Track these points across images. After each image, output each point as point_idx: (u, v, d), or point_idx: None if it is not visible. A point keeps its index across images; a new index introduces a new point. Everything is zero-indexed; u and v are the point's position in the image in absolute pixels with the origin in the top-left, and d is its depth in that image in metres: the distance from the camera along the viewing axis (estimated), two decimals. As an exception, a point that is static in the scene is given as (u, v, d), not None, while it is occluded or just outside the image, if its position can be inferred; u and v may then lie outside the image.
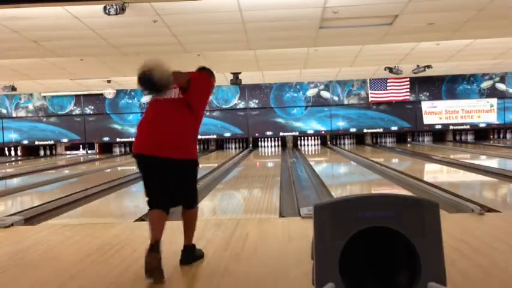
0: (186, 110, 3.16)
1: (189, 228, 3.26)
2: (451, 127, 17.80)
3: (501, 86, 17.36)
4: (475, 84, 17.45)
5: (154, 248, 2.85)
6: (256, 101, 17.88)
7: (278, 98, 17.82)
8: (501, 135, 18.22)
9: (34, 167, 13.24)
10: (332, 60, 11.77)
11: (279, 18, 7.16)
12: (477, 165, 9.16)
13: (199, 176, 3.46)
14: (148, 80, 2.99)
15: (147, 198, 3.13)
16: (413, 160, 11.91)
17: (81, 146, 18.99)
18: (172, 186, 3.14)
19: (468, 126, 17.76)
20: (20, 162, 16.30)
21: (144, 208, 5.55)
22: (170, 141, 3.07)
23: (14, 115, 18.34)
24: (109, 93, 16.72)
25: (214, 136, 18.00)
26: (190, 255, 3.23)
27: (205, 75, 3.42)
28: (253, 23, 7.34)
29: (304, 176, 9.09)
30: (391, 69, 13.23)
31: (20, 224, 4.81)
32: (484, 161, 10.76)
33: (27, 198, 7.49)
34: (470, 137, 18.37)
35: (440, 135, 18.48)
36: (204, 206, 5.96)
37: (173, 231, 4.19)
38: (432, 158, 11.64)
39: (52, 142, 18.51)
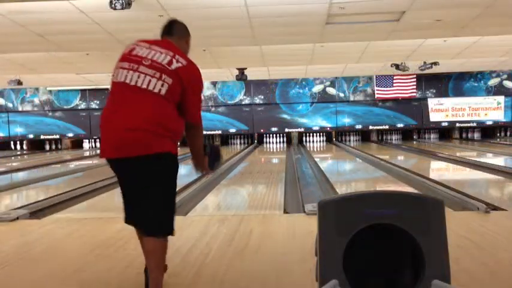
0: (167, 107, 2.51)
1: (151, 262, 2.43)
2: (458, 124, 17.72)
3: (508, 84, 17.26)
4: (482, 82, 17.35)
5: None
6: (262, 97, 17.86)
7: (283, 94, 17.79)
8: (508, 133, 18.13)
9: (39, 161, 13.29)
10: (338, 56, 11.73)
11: (285, 14, 7.13)
12: (483, 163, 9.12)
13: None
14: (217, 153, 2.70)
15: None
16: (419, 157, 11.87)
17: (87, 140, 19.04)
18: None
19: (475, 124, 17.68)
20: (25, 156, 16.37)
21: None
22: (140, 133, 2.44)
23: (19, 109, 18.40)
24: (115, 88, 16.73)
25: (219, 132, 18.01)
26: None
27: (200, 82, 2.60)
28: (259, 18, 7.32)
29: (309, 172, 9.08)
30: (397, 66, 13.17)
31: (25, 218, 4.83)
32: (491, 159, 10.71)
33: (33, 192, 7.52)
34: (476, 135, 18.29)
35: (446, 132, 18.40)
36: (209, 201, 5.96)
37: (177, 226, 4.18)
38: (438, 155, 11.60)
39: (58, 136, 18.57)
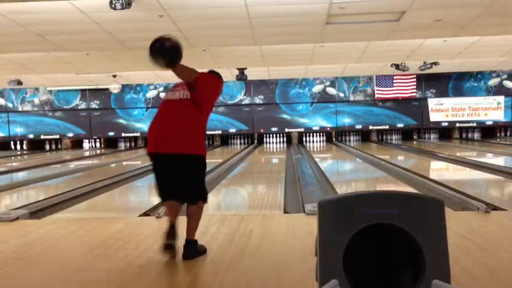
0: (192, 108, 3.23)
1: (191, 223, 3.28)
2: (458, 124, 17.72)
3: (508, 84, 17.26)
4: (482, 82, 17.36)
5: (170, 235, 3.13)
6: (262, 97, 17.87)
7: (284, 94, 17.80)
8: (508, 133, 18.13)
9: (39, 161, 13.30)
10: (338, 56, 11.73)
11: (285, 14, 7.13)
12: (483, 163, 9.12)
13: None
14: (160, 47, 3.21)
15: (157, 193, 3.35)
16: (419, 157, 11.87)
17: (87, 140, 19.05)
18: (177, 180, 3.24)
19: (475, 124, 17.68)
20: (25, 156, 16.38)
21: (149, 203, 5.58)
22: (175, 137, 3.17)
23: (19, 109, 18.41)
24: (114, 88, 16.75)
25: (220, 132, 18.01)
26: (192, 250, 3.24)
27: (212, 76, 3.52)
28: (259, 18, 7.32)
29: (309, 172, 9.08)
30: (397, 66, 13.17)
31: (25, 218, 4.83)
32: (491, 159, 10.71)
33: (33, 192, 7.52)
34: (476, 135, 18.29)
35: (446, 132, 18.40)
36: (209, 201, 5.93)
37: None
38: (438, 155, 11.60)
39: (57, 136, 18.57)
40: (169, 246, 3.12)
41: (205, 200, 3.37)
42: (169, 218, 3.23)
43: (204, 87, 3.29)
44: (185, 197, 3.29)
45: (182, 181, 3.25)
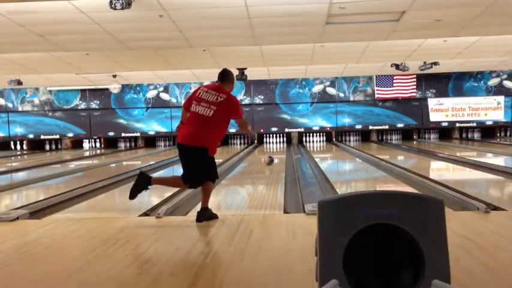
0: (211, 125, 4.35)
1: (202, 195, 4.46)
2: (458, 124, 17.72)
3: (508, 84, 17.26)
4: (482, 82, 17.36)
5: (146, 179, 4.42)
6: (262, 97, 17.87)
7: (284, 94, 17.80)
8: (508, 133, 18.13)
9: (39, 161, 13.30)
10: (338, 56, 11.73)
11: (285, 14, 7.13)
12: (483, 163, 9.11)
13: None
14: None
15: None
16: (419, 157, 11.87)
17: (87, 140, 19.05)
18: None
19: (475, 124, 17.68)
20: (25, 156, 16.38)
21: (149, 203, 5.58)
22: (193, 136, 4.34)
23: (19, 109, 18.41)
24: (114, 88, 16.75)
25: (220, 132, 17.97)
26: (201, 214, 4.32)
27: (236, 106, 4.51)
28: (259, 18, 7.32)
29: (309, 172, 9.08)
30: (397, 66, 13.17)
31: (25, 218, 4.83)
32: (491, 159, 10.71)
33: (33, 192, 7.52)
34: (476, 135, 18.29)
35: (446, 132, 18.40)
36: (209, 201, 5.95)
37: (175, 229, 4.19)
38: (438, 155, 11.60)
39: (57, 136, 18.57)
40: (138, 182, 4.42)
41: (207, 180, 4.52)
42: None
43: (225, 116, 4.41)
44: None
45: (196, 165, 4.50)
